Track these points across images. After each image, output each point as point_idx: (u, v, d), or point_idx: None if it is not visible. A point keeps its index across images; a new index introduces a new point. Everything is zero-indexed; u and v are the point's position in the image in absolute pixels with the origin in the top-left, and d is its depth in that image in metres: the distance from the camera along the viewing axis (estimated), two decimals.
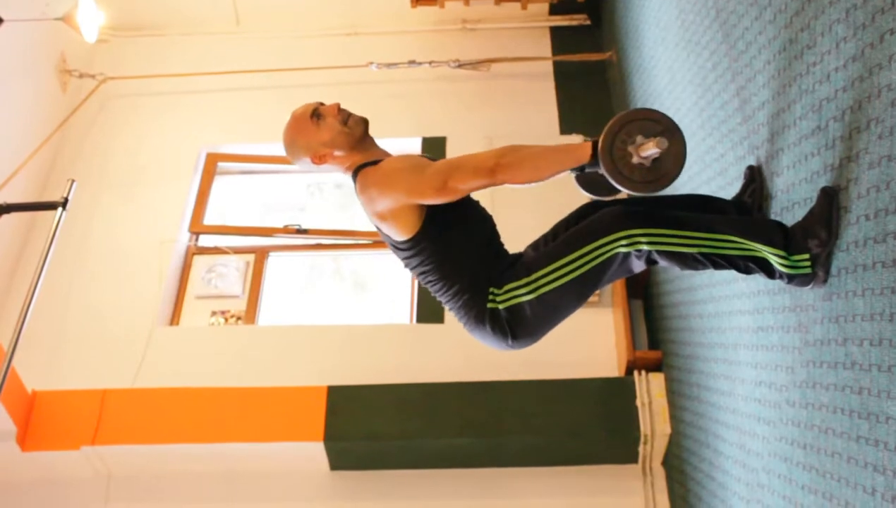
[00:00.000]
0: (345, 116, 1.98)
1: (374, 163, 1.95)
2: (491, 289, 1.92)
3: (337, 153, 1.98)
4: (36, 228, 4.40)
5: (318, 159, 1.99)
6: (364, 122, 2.00)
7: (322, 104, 2.01)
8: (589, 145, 1.78)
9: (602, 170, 1.75)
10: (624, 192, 1.83)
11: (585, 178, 2.07)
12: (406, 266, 2.04)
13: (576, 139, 4.37)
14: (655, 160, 1.73)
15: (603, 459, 3.61)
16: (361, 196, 1.94)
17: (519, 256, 2.03)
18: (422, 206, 1.90)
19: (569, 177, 4.46)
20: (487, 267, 1.96)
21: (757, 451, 2.37)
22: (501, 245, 2.07)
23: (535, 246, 2.05)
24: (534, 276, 1.87)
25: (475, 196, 2.00)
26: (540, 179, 1.81)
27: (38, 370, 3.78)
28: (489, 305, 1.91)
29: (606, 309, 3.97)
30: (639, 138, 1.71)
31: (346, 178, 2.04)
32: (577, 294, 1.89)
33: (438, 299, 2.02)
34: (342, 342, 4.02)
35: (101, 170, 4.64)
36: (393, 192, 1.87)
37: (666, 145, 1.67)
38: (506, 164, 1.78)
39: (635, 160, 1.72)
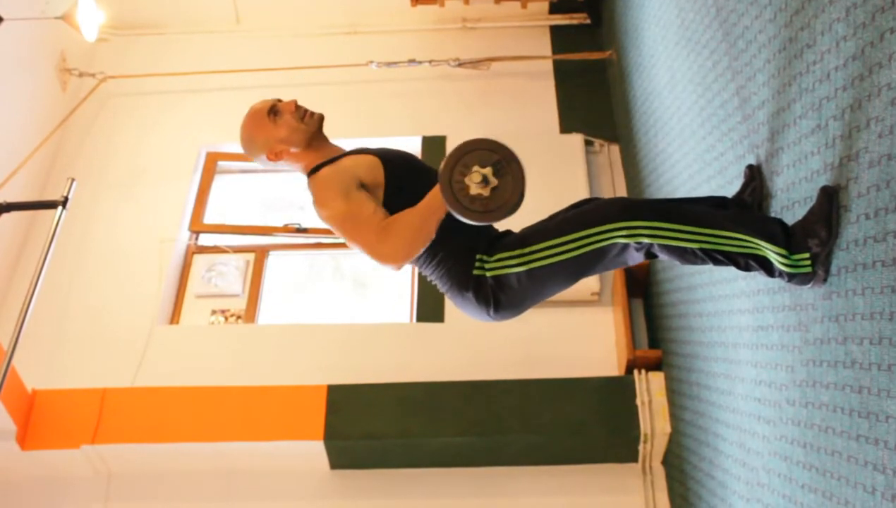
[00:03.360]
0: (301, 113, 1.99)
1: (327, 163, 1.95)
2: (480, 257, 1.92)
3: (293, 150, 1.99)
4: (36, 227, 4.40)
5: (275, 156, 2.00)
6: (320, 119, 2.01)
7: (280, 100, 2.02)
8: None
9: (445, 204, 1.76)
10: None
11: None
12: None
13: (576, 138, 4.37)
14: (494, 189, 1.73)
15: (603, 458, 3.61)
16: (315, 205, 1.96)
17: (508, 232, 2.02)
18: (379, 200, 1.92)
19: (566, 179, 4.43)
20: (470, 235, 1.94)
21: (757, 450, 2.37)
22: None
23: (530, 227, 2.04)
24: (528, 249, 1.87)
25: None
26: (431, 238, 1.84)
27: (38, 369, 3.78)
28: (475, 272, 1.91)
29: (606, 307, 3.97)
30: (474, 169, 1.72)
31: None
32: (568, 275, 1.89)
33: (423, 271, 2.02)
34: (342, 341, 4.02)
35: (101, 168, 4.64)
36: (323, 218, 1.92)
37: (487, 172, 1.70)
38: (391, 254, 1.82)
39: (473, 191, 1.73)
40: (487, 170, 1.72)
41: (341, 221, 1.88)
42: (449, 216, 1.83)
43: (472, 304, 1.93)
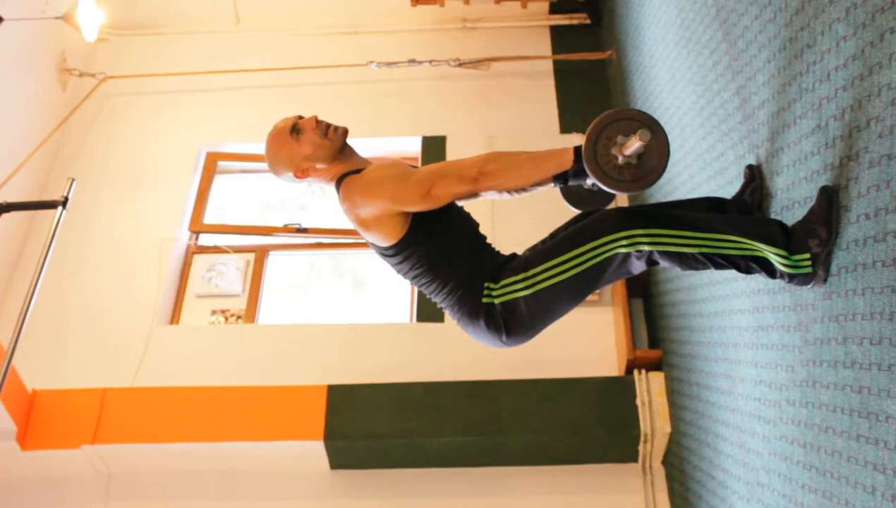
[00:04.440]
0: (323, 128, 1.97)
1: (357, 171, 1.94)
2: (487, 284, 1.92)
3: (319, 166, 1.98)
4: (36, 227, 4.40)
5: (301, 173, 1.99)
6: (344, 132, 2.00)
7: (301, 117, 2.00)
8: (571, 150, 1.78)
9: (591, 179, 1.75)
10: (613, 199, 1.83)
11: (570, 191, 2.08)
12: (398, 271, 2.04)
13: (575, 138, 4.37)
14: (640, 157, 1.72)
15: (603, 458, 3.61)
16: (345, 204, 1.94)
17: (514, 256, 2.03)
18: (406, 211, 1.90)
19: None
20: (478, 263, 1.96)
21: (757, 450, 2.37)
22: (486, 241, 2.07)
23: (532, 248, 2.06)
24: (531, 272, 1.87)
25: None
26: (524, 186, 1.83)
27: (38, 369, 3.78)
28: (484, 300, 1.91)
29: (607, 308, 3.97)
30: (620, 138, 1.71)
31: None
32: (574, 292, 1.89)
33: (433, 299, 2.02)
34: (342, 341, 4.02)
35: (101, 168, 4.64)
36: (377, 200, 1.87)
37: (649, 136, 1.66)
38: (489, 172, 1.81)
39: (621, 161, 1.72)
40: (636, 137, 1.68)
41: (421, 178, 1.84)
42: (455, 240, 1.87)
43: (484, 332, 1.93)
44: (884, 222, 1.56)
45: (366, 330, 4.06)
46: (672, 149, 3.20)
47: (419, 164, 4.47)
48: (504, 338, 1.92)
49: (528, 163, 1.81)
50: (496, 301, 1.90)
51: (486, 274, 1.94)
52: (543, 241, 2.04)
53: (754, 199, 2.19)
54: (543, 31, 5.04)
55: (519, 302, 1.88)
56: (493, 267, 1.96)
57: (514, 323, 1.90)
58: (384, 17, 5.08)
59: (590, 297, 3.89)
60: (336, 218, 4.87)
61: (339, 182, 1.97)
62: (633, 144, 1.68)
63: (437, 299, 2.01)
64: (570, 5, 5.03)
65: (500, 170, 1.81)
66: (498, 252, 2.06)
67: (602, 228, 1.82)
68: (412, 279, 2.02)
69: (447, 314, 3.92)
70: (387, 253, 1.99)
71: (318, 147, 1.96)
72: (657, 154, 1.73)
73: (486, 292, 1.92)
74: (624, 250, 1.81)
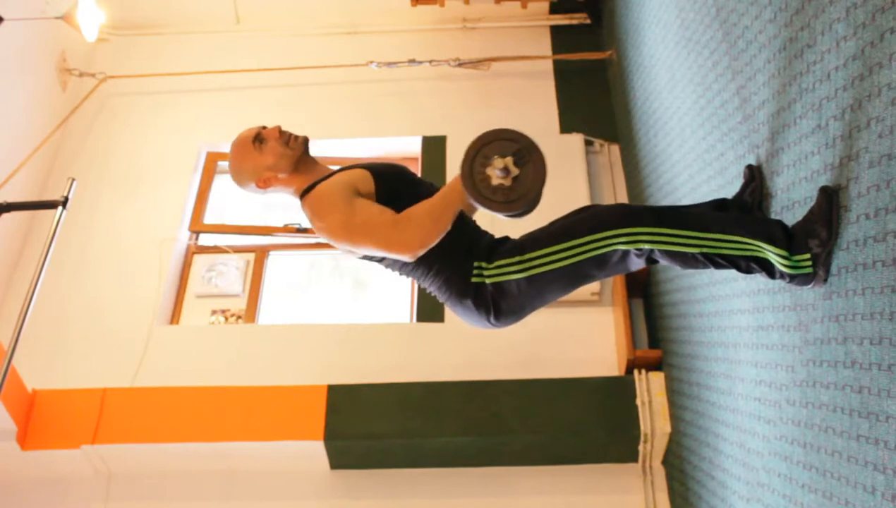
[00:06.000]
0: (286, 138, 1.98)
1: (318, 182, 1.95)
2: (478, 264, 1.91)
3: (281, 176, 1.98)
4: (36, 227, 4.40)
5: (263, 183, 1.99)
6: (304, 141, 2.01)
7: (264, 127, 2.01)
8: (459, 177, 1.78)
9: (467, 196, 1.76)
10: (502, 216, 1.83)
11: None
12: (386, 267, 2.04)
13: (575, 138, 4.37)
14: (516, 179, 1.73)
15: (603, 458, 3.61)
16: (312, 224, 1.96)
17: (506, 238, 2.01)
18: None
19: (566, 179, 4.44)
20: (464, 244, 1.94)
21: (757, 450, 2.37)
22: (473, 221, 2.05)
23: (528, 234, 2.04)
24: (527, 256, 1.87)
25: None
26: (446, 231, 1.84)
27: (39, 369, 3.78)
28: (474, 279, 1.90)
29: (607, 307, 3.97)
30: (495, 159, 1.72)
31: None
32: (567, 282, 1.89)
33: (421, 284, 2.02)
34: (342, 341, 4.02)
35: (102, 168, 4.64)
36: (325, 230, 1.90)
37: (508, 162, 1.69)
38: (415, 243, 1.82)
39: (495, 181, 1.72)
40: (508, 160, 1.71)
41: (347, 227, 1.86)
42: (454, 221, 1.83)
43: (473, 312, 1.92)
44: (884, 222, 1.56)
45: (366, 330, 4.06)
46: (672, 149, 3.22)
47: (419, 165, 4.50)
48: (492, 319, 1.92)
49: (438, 210, 1.83)
50: (487, 281, 1.89)
51: (474, 255, 1.93)
52: (541, 229, 2.03)
53: (754, 199, 2.19)
54: (543, 31, 5.04)
55: (511, 285, 1.87)
56: (482, 248, 1.95)
57: (503, 304, 1.89)
58: (384, 17, 5.08)
59: (590, 297, 3.94)
60: None
61: (302, 195, 1.98)
62: (499, 166, 1.70)
63: (425, 282, 2.00)
64: (570, 5, 5.03)
65: (419, 235, 1.81)
66: (486, 232, 2.04)
67: (603, 222, 1.82)
68: (399, 269, 2.02)
69: (448, 314, 3.97)
70: (366, 257, 1.99)
71: (280, 156, 1.96)
72: (532, 178, 1.73)
73: (476, 272, 1.91)
74: (623, 246, 1.80)
